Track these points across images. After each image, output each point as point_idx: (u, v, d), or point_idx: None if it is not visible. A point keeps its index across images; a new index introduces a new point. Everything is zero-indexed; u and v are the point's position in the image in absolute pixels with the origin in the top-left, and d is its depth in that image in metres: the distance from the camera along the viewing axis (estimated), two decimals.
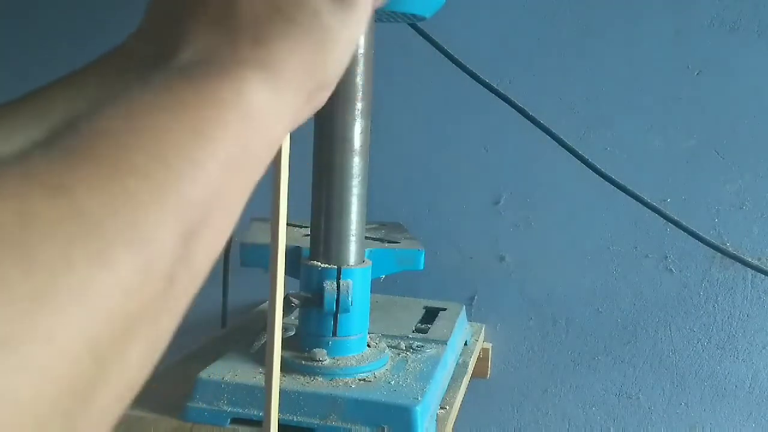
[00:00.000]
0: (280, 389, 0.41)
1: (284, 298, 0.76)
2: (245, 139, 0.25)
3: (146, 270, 0.20)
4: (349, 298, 0.76)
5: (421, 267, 0.93)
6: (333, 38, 0.31)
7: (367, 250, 0.84)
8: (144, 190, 0.20)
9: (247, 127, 0.26)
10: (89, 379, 0.18)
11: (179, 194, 0.22)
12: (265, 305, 1.13)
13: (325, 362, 0.76)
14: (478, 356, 1.12)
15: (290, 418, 0.71)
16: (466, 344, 1.06)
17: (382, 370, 0.79)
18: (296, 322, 0.82)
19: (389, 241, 0.97)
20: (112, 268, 0.19)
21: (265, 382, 0.40)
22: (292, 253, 0.84)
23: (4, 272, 0.16)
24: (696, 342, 1.15)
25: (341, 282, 0.76)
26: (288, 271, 0.73)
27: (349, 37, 0.32)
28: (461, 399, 0.91)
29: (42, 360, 0.16)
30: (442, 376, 0.85)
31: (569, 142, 1.03)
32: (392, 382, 0.76)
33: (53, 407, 0.17)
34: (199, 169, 0.23)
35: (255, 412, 0.72)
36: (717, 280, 1.13)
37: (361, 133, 0.77)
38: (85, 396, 0.18)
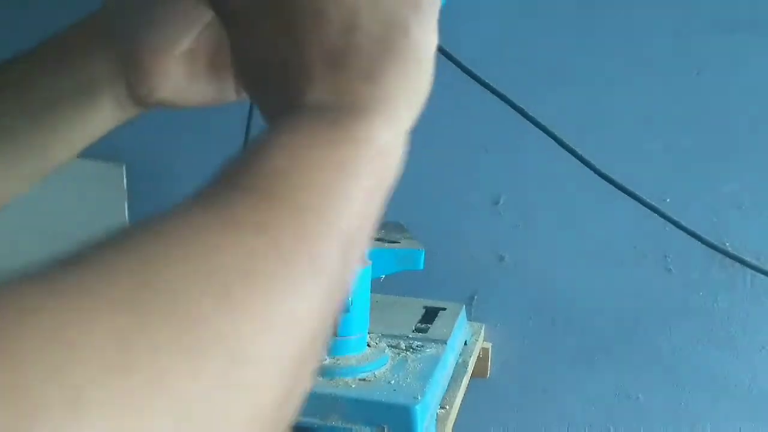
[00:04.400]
0: None
1: None
2: (378, 172, 0.30)
3: (328, 295, 0.23)
4: (349, 298, 0.76)
5: (421, 267, 0.93)
6: (422, 56, 0.33)
7: (367, 250, 0.84)
8: (318, 225, 0.24)
9: (378, 162, 0.30)
10: (288, 392, 0.21)
11: (341, 227, 0.25)
12: None
13: (325, 362, 0.76)
14: (478, 356, 1.12)
15: None
16: (466, 344, 1.06)
17: (382, 370, 0.79)
18: None
19: (389, 241, 0.97)
20: (305, 298, 0.22)
21: None
22: None
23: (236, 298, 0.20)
24: (696, 342, 1.15)
25: None
26: None
27: (431, 44, 0.34)
28: (461, 399, 0.91)
29: (258, 379, 0.20)
30: (442, 376, 0.85)
31: (569, 142, 1.03)
32: (392, 382, 0.76)
33: (267, 416, 0.20)
34: (351, 201, 0.27)
35: None
36: (717, 280, 1.13)
37: None
38: (284, 405, 0.22)
